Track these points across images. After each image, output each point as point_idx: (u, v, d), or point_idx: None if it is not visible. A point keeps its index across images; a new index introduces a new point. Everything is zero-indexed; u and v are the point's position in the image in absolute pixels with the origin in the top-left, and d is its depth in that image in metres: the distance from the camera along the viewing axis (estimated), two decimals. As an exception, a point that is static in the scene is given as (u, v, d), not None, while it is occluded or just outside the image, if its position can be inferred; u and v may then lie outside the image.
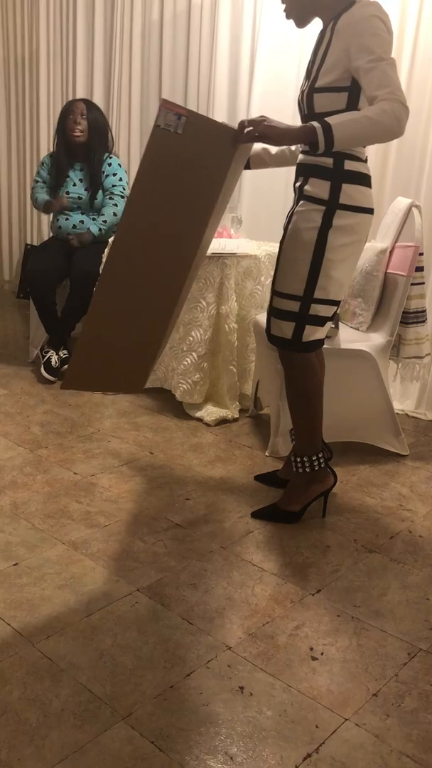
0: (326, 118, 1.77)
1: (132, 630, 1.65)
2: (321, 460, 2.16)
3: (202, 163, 1.74)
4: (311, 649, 1.63)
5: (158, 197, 1.75)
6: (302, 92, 1.99)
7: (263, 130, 1.76)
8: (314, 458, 2.15)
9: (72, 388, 1.91)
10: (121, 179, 3.47)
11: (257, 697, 1.48)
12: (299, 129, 1.78)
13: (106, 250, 3.21)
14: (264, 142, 1.79)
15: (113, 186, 3.45)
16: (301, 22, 2.01)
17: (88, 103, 3.44)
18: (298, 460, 2.16)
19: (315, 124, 1.76)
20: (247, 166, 2.24)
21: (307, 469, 2.16)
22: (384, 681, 1.54)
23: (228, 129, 1.75)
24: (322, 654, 1.62)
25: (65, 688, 1.47)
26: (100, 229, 3.41)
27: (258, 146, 2.19)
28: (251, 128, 1.75)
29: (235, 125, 1.78)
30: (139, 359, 1.90)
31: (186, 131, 1.70)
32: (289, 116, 3.35)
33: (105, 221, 3.42)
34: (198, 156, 1.73)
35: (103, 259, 3.21)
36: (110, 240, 3.21)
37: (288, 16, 2.01)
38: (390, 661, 1.61)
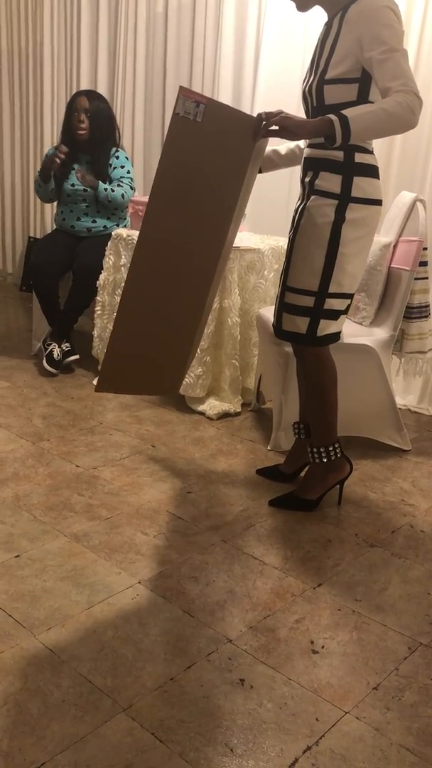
0: (342, 111, 1.76)
1: (133, 622, 1.66)
2: (337, 450, 2.19)
3: (223, 151, 1.72)
4: (312, 642, 1.64)
5: (181, 186, 1.72)
6: (308, 84, 1.98)
7: (281, 121, 1.75)
8: (330, 448, 2.18)
9: (105, 391, 1.90)
10: (128, 171, 3.46)
11: (258, 689, 1.48)
12: (317, 121, 1.77)
13: (109, 243, 3.20)
14: (281, 136, 1.78)
15: (121, 177, 3.43)
16: (303, 6, 1.99)
17: (90, 95, 3.40)
18: (315, 450, 2.18)
19: (332, 116, 1.75)
20: (259, 171, 2.23)
21: (324, 459, 2.18)
22: (384, 675, 1.55)
23: (247, 117, 1.74)
24: (322, 647, 1.62)
25: (66, 679, 1.47)
26: (105, 189, 3.35)
27: (267, 149, 2.19)
28: (269, 122, 1.74)
29: None
30: (171, 358, 1.87)
31: (205, 119, 1.68)
32: (294, 109, 3.33)
33: (113, 190, 3.36)
34: (219, 143, 1.71)
35: (106, 252, 3.21)
36: (114, 233, 3.19)
37: None
38: (390, 655, 1.61)
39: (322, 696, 1.47)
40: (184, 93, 1.67)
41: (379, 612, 1.76)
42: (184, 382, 2.94)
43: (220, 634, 1.64)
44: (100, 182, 3.36)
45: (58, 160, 3.29)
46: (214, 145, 1.71)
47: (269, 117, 1.75)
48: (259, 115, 1.75)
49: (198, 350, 2.91)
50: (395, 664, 1.58)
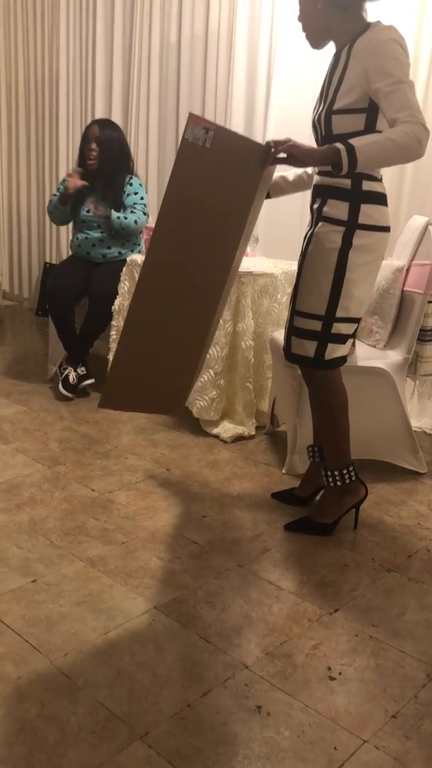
0: (350, 140, 1.79)
1: (149, 648, 1.66)
2: (352, 473, 2.19)
3: (231, 177, 1.74)
4: (329, 668, 1.62)
5: (189, 211, 1.75)
6: (318, 114, 2.02)
7: (289, 149, 1.78)
8: (345, 471, 2.17)
9: (109, 407, 1.91)
10: (142, 198, 3.51)
11: (275, 716, 1.47)
12: (324, 150, 1.80)
13: (124, 269, 3.24)
14: (289, 164, 1.81)
15: (134, 204, 3.48)
16: (317, 43, 2.04)
17: (102, 124, 3.45)
18: (329, 473, 2.18)
19: (339, 145, 1.78)
20: (267, 196, 2.26)
21: (338, 482, 2.17)
22: (403, 702, 1.53)
23: (255, 144, 1.76)
24: (340, 674, 1.61)
25: (83, 705, 1.47)
26: (118, 218, 3.40)
27: (276, 175, 2.22)
28: (278, 149, 1.77)
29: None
30: (175, 378, 1.88)
31: (214, 145, 1.71)
32: (305, 139, 3.36)
33: (125, 217, 3.41)
34: (227, 169, 1.73)
35: (121, 278, 3.25)
36: (129, 258, 3.23)
37: (305, 36, 2.04)
38: (409, 682, 1.59)
39: (339, 724, 1.46)
40: (194, 120, 1.69)
41: (396, 637, 1.74)
42: (198, 405, 2.96)
43: (237, 659, 1.63)
44: (113, 211, 3.41)
45: (71, 189, 3.38)
46: (222, 171, 1.73)
47: (278, 145, 1.78)
48: (268, 143, 1.78)
49: (212, 373, 2.92)
50: (414, 692, 1.56)
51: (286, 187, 2.26)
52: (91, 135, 3.42)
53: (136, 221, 3.43)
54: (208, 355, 2.92)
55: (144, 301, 1.79)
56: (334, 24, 1.96)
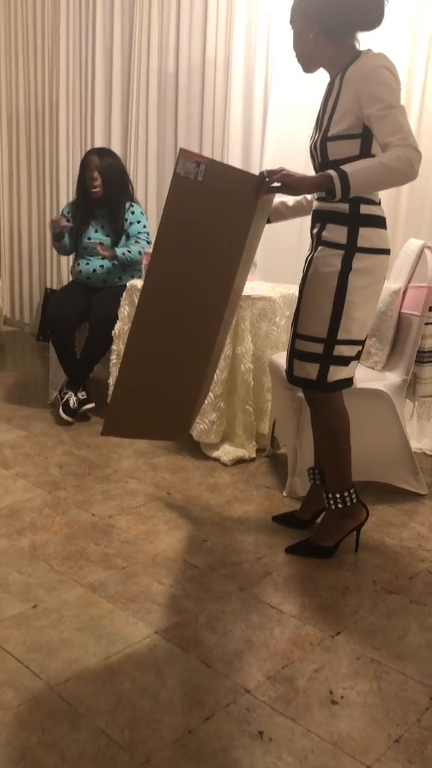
0: (342, 166, 1.82)
1: (150, 673, 1.65)
2: (353, 495, 2.19)
3: (225, 209, 1.76)
4: (331, 692, 1.61)
5: (184, 244, 1.76)
6: (314, 142, 2.05)
7: (282, 179, 1.81)
8: (346, 494, 2.18)
9: (111, 434, 1.92)
10: (144, 226, 3.56)
11: (277, 742, 1.46)
12: (317, 177, 1.83)
13: (124, 294, 3.27)
14: (283, 192, 1.85)
15: (138, 233, 3.54)
16: (308, 68, 2.08)
17: (101, 153, 3.52)
18: (330, 496, 2.18)
19: (331, 172, 1.81)
20: (267, 221, 2.29)
21: (340, 505, 2.18)
22: (406, 726, 1.52)
23: (248, 175, 1.79)
24: (342, 698, 1.60)
25: (83, 732, 1.46)
26: (123, 254, 3.46)
27: (276, 200, 2.25)
28: (271, 179, 1.80)
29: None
30: (178, 406, 1.88)
31: (206, 178, 1.72)
32: (302, 166, 3.43)
33: (129, 251, 3.47)
34: (220, 202, 1.75)
35: (121, 303, 3.27)
36: (128, 284, 3.27)
37: (297, 61, 2.09)
38: (412, 705, 1.58)
39: (342, 749, 1.45)
40: (185, 155, 1.71)
41: (398, 661, 1.73)
42: (198, 429, 2.96)
43: (238, 684, 1.62)
44: (116, 249, 3.47)
45: (59, 228, 3.48)
46: (216, 203, 1.75)
47: (271, 174, 1.81)
48: (261, 173, 1.81)
49: (211, 396, 2.93)
50: (417, 715, 1.55)
51: (286, 213, 2.30)
52: (92, 165, 3.47)
53: (140, 252, 3.49)
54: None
55: (143, 329, 1.80)
56: (326, 53, 2.01)
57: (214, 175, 1.74)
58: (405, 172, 1.80)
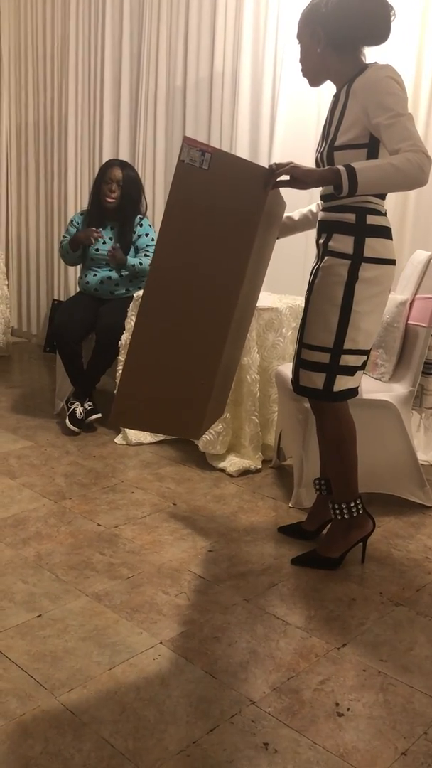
0: (351, 163, 1.83)
1: (155, 683, 1.64)
2: (359, 506, 2.18)
3: (234, 199, 1.72)
4: (337, 704, 1.60)
5: (190, 234, 1.73)
6: (321, 152, 2.06)
7: (290, 171, 1.82)
8: (352, 504, 2.17)
9: (120, 424, 1.90)
10: (153, 239, 3.58)
11: (282, 754, 1.44)
12: (325, 170, 1.85)
13: (131, 305, 3.28)
14: (291, 185, 1.86)
15: (147, 245, 3.56)
16: (315, 82, 2.10)
17: (123, 166, 3.55)
18: (337, 506, 2.18)
19: (340, 167, 1.82)
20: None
21: (346, 516, 2.17)
22: (413, 739, 1.50)
23: (256, 167, 1.77)
24: (348, 710, 1.58)
25: (87, 742, 1.45)
26: (133, 265, 3.48)
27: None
28: (279, 171, 1.81)
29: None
30: (188, 402, 1.85)
31: (212, 167, 1.69)
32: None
33: (141, 263, 3.49)
34: (228, 192, 1.72)
35: (128, 314, 3.28)
36: (135, 295, 3.28)
37: (303, 75, 2.11)
38: (418, 718, 1.57)
39: (348, 761, 1.43)
40: (189, 142, 1.67)
41: (405, 673, 1.72)
42: (204, 439, 2.96)
43: (243, 695, 1.61)
44: (128, 257, 3.49)
45: (93, 240, 3.45)
46: (223, 193, 1.71)
47: (279, 167, 1.82)
48: (270, 165, 1.82)
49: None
50: (424, 728, 1.54)
51: (292, 226, 2.31)
52: (114, 176, 3.50)
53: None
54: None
55: (148, 321, 1.78)
56: (333, 66, 2.02)
57: (221, 164, 1.70)
58: (414, 176, 1.80)
